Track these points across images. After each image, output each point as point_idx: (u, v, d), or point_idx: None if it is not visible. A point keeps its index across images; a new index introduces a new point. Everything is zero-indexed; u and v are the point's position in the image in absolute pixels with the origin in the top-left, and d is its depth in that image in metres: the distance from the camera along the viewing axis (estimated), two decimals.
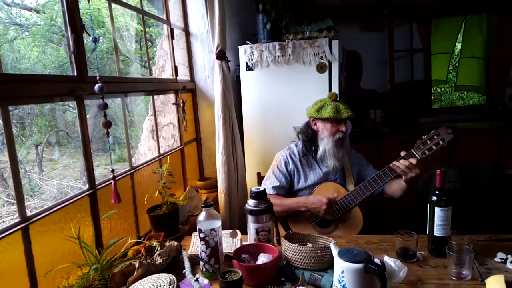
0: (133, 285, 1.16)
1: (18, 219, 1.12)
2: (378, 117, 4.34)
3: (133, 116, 4.15)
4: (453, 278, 1.22)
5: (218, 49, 2.25)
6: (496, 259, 1.32)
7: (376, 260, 1.12)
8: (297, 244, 1.33)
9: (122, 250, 1.37)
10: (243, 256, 1.34)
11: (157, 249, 1.39)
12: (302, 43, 2.53)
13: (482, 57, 4.39)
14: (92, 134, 3.52)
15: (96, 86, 1.33)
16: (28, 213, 1.16)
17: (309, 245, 1.39)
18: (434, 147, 1.65)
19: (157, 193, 1.78)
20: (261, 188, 1.49)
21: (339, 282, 1.05)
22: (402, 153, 1.68)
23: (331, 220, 1.81)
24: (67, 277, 1.20)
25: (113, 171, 1.45)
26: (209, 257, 1.29)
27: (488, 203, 2.36)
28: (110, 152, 1.47)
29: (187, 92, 2.62)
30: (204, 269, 1.33)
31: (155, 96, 2.32)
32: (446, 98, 5.80)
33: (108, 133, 1.36)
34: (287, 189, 1.93)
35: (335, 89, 2.54)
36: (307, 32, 2.57)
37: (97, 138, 4.00)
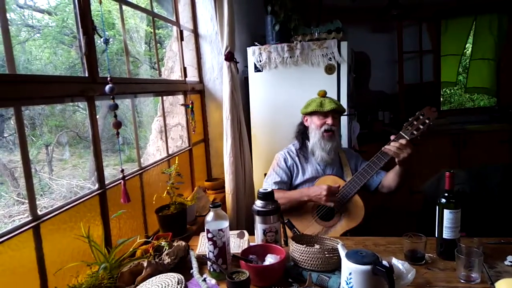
0: (141, 284, 1.17)
1: (30, 218, 1.14)
2: (386, 118, 4.32)
3: (142, 117, 4.19)
4: (462, 281, 1.21)
5: (226, 51, 2.26)
6: (506, 262, 1.31)
7: (384, 262, 1.11)
8: (304, 245, 1.33)
9: (131, 249, 1.39)
10: (251, 256, 1.34)
11: (165, 249, 1.40)
12: (310, 45, 2.53)
13: (493, 58, 4.32)
14: (102, 135, 3.56)
15: (107, 87, 1.34)
16: (39, 212, 1.17)
17: (317, 246, 1.39)
18: (421, 127, 1.72)
19: (165, 193, 1.80)
20: (269, 189, 1.50)
21: (347, 283, 1.04)
22: (392, 137, 1.74)
23: (333, 208, 1.83)
24: (77, 275, 1.22)
25: (122, 171, 1.46)
26: (216, 257, 1.30)
27: (498, 206, 2.33)
28: (120, 152, 1.49)
29: (196, 93, 2.64)
30: (211, 269, 1.33)
31: (164, 97, 2.34)
32: (456, 100, 5.73)
33: (118, 133, 1.38)
34: (289, 185, 2.00)
35: (344, 90, 2.54)
36: (316, 34, 2.58)
37: (106, 139, 4.04)
